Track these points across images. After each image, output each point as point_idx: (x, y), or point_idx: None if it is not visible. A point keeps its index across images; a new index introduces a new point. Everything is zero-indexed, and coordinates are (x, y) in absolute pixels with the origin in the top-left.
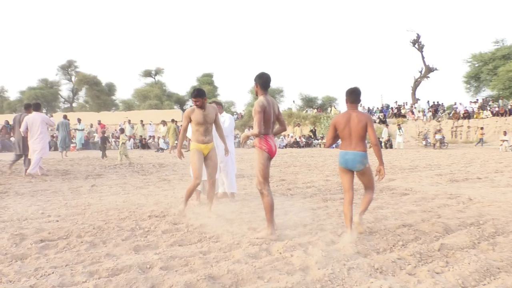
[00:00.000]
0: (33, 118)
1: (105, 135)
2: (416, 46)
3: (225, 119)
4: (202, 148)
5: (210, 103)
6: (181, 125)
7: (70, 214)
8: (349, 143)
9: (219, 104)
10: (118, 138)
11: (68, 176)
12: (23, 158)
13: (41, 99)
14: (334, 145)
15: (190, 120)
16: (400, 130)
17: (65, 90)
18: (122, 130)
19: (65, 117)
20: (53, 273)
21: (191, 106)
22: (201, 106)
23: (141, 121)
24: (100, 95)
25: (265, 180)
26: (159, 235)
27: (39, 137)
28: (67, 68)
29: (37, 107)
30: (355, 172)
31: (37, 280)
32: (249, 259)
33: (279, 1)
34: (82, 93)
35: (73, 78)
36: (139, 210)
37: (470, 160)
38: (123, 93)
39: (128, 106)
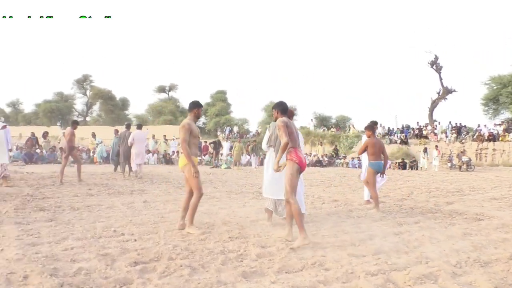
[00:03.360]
0: (138, 134)
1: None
2: (434, 67)
3: None
4: (197, 162)
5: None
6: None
7: (143, 233)
8: (378, 156)
9: (291, 111)
10: None
11: (112, 191)
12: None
13: (56, 112)
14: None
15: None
16: (425, 153)
17: (79, 103)
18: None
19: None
20: None
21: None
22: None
23: (164, 136)
24: (114, 110)
25: (291, 190)
26: (256, 260)
27: (142, 148)
28: (82, 82)
29: (139, 127)
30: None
31: None
32: None
33: (292, 20)
34: (96, 107)
35: (87, 92)
36: (214, 231)
37: (511, 184)
38: (136, 109)
39: (142, 121)
